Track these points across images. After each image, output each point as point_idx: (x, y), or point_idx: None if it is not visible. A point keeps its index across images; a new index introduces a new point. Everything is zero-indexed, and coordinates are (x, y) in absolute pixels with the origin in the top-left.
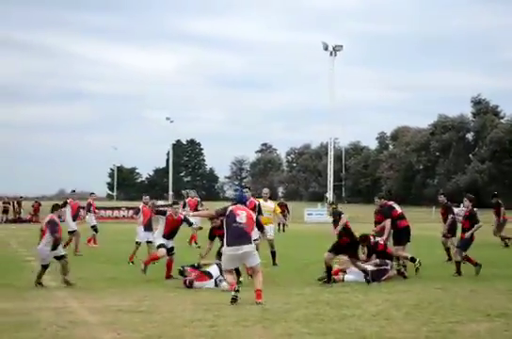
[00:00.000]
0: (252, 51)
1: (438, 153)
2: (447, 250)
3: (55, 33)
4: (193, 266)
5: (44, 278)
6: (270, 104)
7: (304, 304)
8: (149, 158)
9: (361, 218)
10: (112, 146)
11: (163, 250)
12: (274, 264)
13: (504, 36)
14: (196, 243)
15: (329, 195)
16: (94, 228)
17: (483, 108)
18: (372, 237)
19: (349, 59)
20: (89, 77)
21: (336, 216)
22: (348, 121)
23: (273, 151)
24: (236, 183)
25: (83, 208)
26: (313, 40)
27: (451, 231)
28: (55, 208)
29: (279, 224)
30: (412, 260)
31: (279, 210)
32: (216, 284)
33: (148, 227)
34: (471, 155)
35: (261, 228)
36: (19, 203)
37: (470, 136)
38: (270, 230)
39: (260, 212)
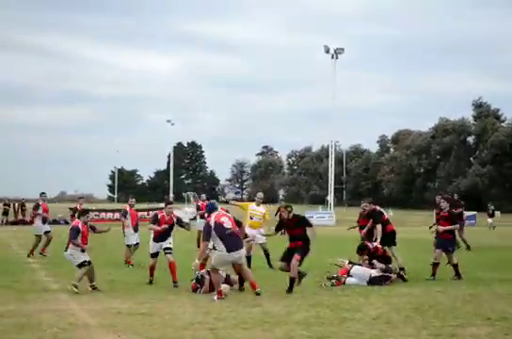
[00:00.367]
0: (254, 54)
1: (438, 157)
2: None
3: (56, 36)
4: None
5: (45, 280)
6: (271, 107)
7: (304, 307)
8: (150, 161)
9: None
10: (113, 148)
11: (154, 260)
12: (269, 266)
13: (506, 40)
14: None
15: (330, 198)
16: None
17: (484, 112)
18: (369, 243)
19: (351, 62)
20: (91, 80)
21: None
22: (349, 125)
23: (274, 153)
24: (237, 185)
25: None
26: (315, 44)
27: None
28: (82, 214)
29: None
30: None
31: (268, 216)
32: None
33: (136, 229)
34: (471, 159)
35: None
36: (22, 205)
37: (471, 139)
38: (259, 234)
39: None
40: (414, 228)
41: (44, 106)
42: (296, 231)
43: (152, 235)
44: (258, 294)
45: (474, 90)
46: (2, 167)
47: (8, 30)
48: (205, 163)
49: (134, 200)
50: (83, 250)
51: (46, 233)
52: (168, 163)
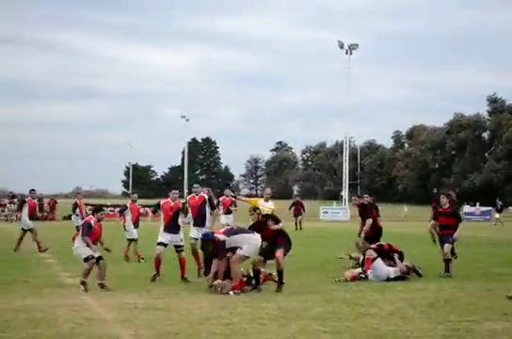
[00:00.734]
0: (268, 49)
1: (453, 152)
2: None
3: (71, 31)
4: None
5: (61, 275)
6: (286, 103)
7: (320, 302)
8: (164, 156)
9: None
10: (128, 144)
11: (159, 249)
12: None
13: None
14: None
15: (345, 193)
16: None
17: (499, 107)
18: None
19: (365, 58)
20: (105, 75)
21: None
22: (364, 120)
23: (288, 149)
24: (252, 181)
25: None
26: (329, 39)
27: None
28: (96, 211)
29: (295, 222)
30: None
31: (276, 213)
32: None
33: (136, 224)
34: (486, 154)
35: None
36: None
37: (485, 134)
38: None
39: (212, 206)
40: (428, 223)
41: (58, 102)
42: (268, 231)
43: (162, 225)
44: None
45: (489, 86)
46: (17, 163)
47: (20, 26)
48: (219, 159)
49: (136, 195)
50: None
51: (30, 230)
52: (183, 159)
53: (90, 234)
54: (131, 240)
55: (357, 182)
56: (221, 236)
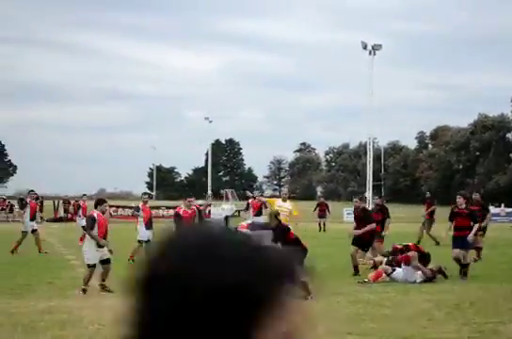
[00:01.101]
0: (291, 51)
1: (477, 153)
2: (477, 248)
3: (96, 34)
4: None
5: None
6: (309, 104)
7: (344, 304)
8: (188, 158)
9: (402, 218)
10: (151, 146)
11: None
12: None
13: None
14: None
15: (369, 195)
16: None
17: None
18: (397, 245)
19: (388, 59)
20: (129, 78)
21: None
22: (387, 121)
23: (312, 150)
24: (275, 182)
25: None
26: (352, 40)
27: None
28: (98, 203)
29: (319, 224)
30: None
31: (296, 212)
32: None
33: (149, 226)
34: (511, 155)
35: None
36: (64, 202)
37: (510, 135)
38: None
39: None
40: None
41: (84, 105)
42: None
43: None
44: None
45: None
46: (42, 165)
47: (41, 28)
48: (243, 160)
49: (147, 196)
50: (99, 246)
51: (33, 231)
52: (206, 160)
53: (94, 227)
54: (138, 241)
55: (380, 183)
56: (246, 231)
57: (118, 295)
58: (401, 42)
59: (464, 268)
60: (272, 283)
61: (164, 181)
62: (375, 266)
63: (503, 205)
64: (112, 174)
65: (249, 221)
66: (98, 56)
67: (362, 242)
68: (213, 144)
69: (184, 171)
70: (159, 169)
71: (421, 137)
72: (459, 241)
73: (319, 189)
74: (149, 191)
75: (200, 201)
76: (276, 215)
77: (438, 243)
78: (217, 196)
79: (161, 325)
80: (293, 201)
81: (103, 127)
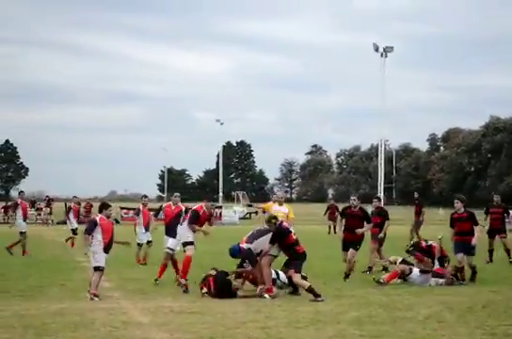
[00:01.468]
0: (302, 52)
1: (489, 155)
2: (491, 251)
3: (106, 35)
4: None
5: None
6: (320, 106)
7: (356, 306)
8: (199, 160)
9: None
10: (162, 148)
11: (167, 252)
12: None
13: None
14: None
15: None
16: (73, 231)
17: None
18: (423, 242)
19: (400, 61)
20: (140, 79)
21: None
22: (399, 123)
23: (323, 152)
24: (286, 184)
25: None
26: (364, 42)
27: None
28: (103, 207)
29: (329, 226)
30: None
31: (292, 215)
32: None
33: (147, 228)
34: None
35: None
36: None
37: None
38: None
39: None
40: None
41: (94, 106)
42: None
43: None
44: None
45: None
46: (53, 167)
47: (56, 30)
48: (254, 162)
49: (147, 199)
50: (106, 251)
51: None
52: (217, 162)
53: (93, 231)
54: (138, 244)
55: (392, 185)
56: (245, 245)
57: (130, 297)
58: (410, 44)
59: (474, 274)
60: None
61: (175, 183)
62: (385, 269)
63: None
64: (123, 176)
65: (256, 228)
66: (110, 59)
67: (353, 242)
68: (224, 146)
69: (196, 174)
70: (170, 171)
71: (432, 140)
72: (461, 246)
73: (330, 192)
74: (160, 193)
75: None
76: (271, 219)
77: None
78: (229, 198)
79: None
80: (289, 204)
81: (113, 129)
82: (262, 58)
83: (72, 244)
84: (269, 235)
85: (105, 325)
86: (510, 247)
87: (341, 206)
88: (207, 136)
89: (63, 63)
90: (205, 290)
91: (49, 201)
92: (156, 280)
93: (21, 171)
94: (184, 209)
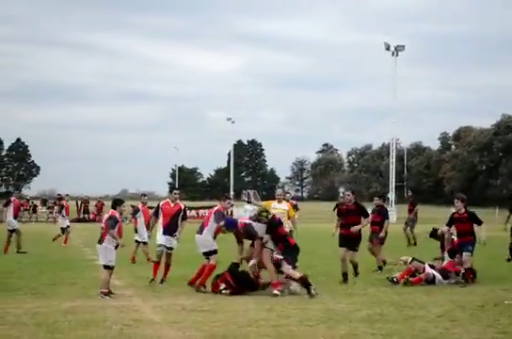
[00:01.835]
0: (313, 51)
1: (501, 154)
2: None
3: (117, 34)
4: None
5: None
6: (331, 105)
7: (368, 305)
8: (210, 159)
9: (426, 219)
10: (174, 146)
11: (159, 251)
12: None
13: None
14: None
15: (391, 195)
16: (63, 229)
17: None
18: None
19: (411, 60)
20: (151, 78)
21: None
22: (410, 122)
23: (334, 151)
24: (297, 183)
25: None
26: (375, 41)
27: None
28: (116, 204)
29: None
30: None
31: (293, 213)
32: None
33: (148, 226)
34: None
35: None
36: (85, 202)
37: None
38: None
39: (184, 217)
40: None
41: (106, 105)
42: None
43: (160, 227)
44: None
45: None
46: (65, 165)
47: (68, 29)
48: (265, 161)
49: (146, 197)
50: (116, 247)
51: (13, 230)
52: (229, 161)
53: (115, 227)
54: (143, 243)
55: (403, 184)
56: (247, 221)
57: (141, 295)
58: (421, 43)
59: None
60: None
61: (186, 181)
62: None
63: None
64: (134, 175)
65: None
66: (122, 58)
67: (351, 239)
68: (235, 145)
69: (207, 172)
70: (181, 169)
71: (443, 138)
72: (463, 245)
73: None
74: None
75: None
76: (261, 212)
77: (410, 243)
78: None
79: None
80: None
81: (125, 128)
82: (273, 57)
83: (65, 241)
84: (263, 225)
85: (117, 323)
86: None
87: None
88: (218, 134)
89: (74, 62)
90: (223, 286)
91: (59, 200)
92: (153, 280)
93: (32, 170)
94: (183, 207)
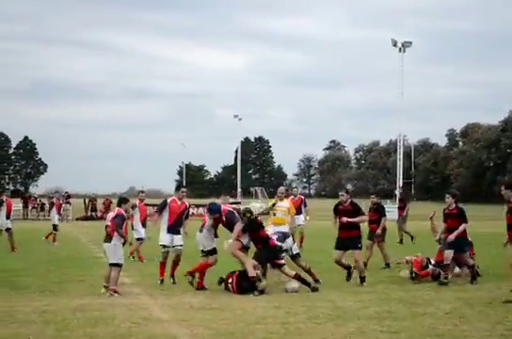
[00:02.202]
0: (321, 49)
1: (508, 150)
2: None
3: (124, 32)
4: None
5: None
6: (338, 102)
7: (376, 302)
8: (217, 156)
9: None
10: (181, 144)
11: (164, 252)
12: None
13: None
14: None
15: (399, 192)
16: (55, 227)
17: None
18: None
19: (418, 56)
20: (158, 76)
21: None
22: (417, 119)
23: (341, 148)
24: (305, 180)
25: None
26: (382, 38)
27: None
28: (122, 202)
29: None
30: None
31: (294, 211)
32: None
33: (144, 224)
34: None
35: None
36: (92, 200)
37: None
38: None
39: (187, 216)
40: (484, 222)
41: (113, 103)
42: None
43: (164, 225)
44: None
45: None
46: (73, 163)
47: (76, 27)
48: (272, 158)
49: (144, 194)
50: (123, 244)
51: (7, 229)
52: (236, 158)
53: (123, 225)
54: (138, 240)
55: (410, 180)
56: (231, 209)
57: (150, 293)
58: (427, 39)
59: (474, 274)
60: None
61: (193, 179)
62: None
63: None
64: (142, 172)
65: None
66: (128, 56)
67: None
68: (242, 142)
69: (214, 169)
70: (189, 167)
71: (451, 135)
72: (453, 243)
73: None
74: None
75: (230, 199)
76: (246, 212)
77: (401, 242)
78: (247, 194)
79: None
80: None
81: (132, 125)
82: (280, 55)
83: (54, 240)
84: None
85: (125, 321)
86: None
87: (357, 201)
88: (225, 131)
89: (79, 59)
90: (230, 280)
91: (67, 198)
92: (162, 280)
93: (39, 168)
94: (188, 205)
